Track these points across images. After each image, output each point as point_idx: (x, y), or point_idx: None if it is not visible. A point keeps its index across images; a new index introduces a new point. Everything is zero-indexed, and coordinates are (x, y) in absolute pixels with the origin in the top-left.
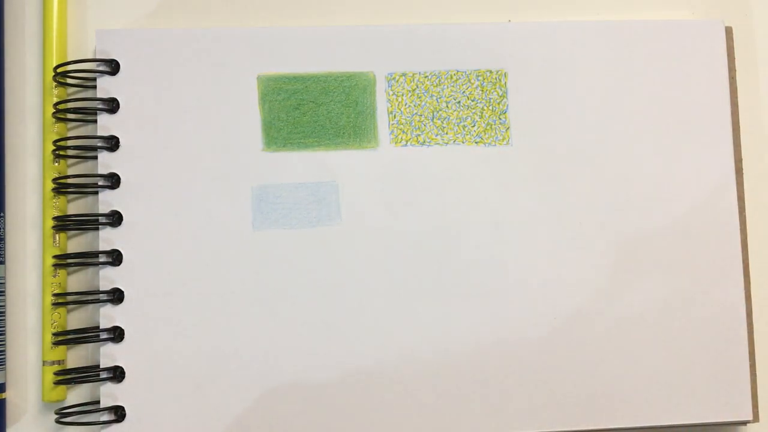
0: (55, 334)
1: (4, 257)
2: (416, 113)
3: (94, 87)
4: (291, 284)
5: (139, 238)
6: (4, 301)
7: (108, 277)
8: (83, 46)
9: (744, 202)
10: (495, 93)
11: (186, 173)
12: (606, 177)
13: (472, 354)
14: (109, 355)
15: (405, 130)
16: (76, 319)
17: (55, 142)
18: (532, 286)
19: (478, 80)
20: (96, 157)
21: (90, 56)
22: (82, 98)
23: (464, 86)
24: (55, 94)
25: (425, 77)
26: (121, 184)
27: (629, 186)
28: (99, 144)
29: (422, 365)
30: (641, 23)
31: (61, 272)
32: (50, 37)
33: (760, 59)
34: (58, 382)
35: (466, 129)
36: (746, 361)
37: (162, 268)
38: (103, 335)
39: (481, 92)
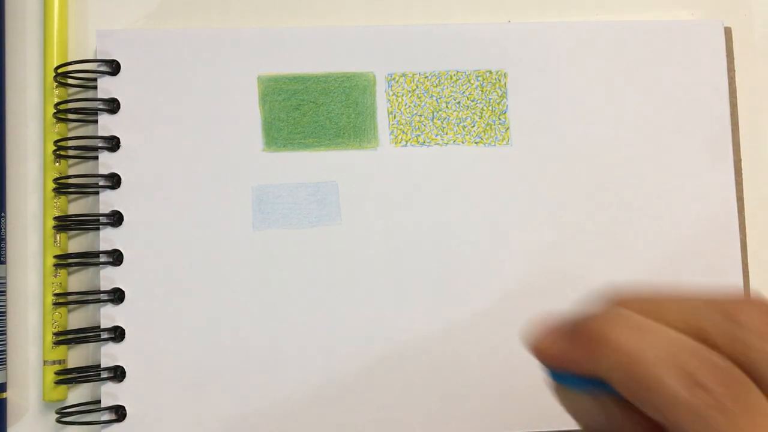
0: (55, 334)
1: (5, 257)
2: (416, 113)
3: (95, 87)
4: (291, 284)
5: (140, 238)
6: (4, 300)
7: (109, 277)
8: (84, 46)
9: (744, 202)
10: (495, 93)
11: (186, 173)
12: (605, 177)
13: (471, 353)
14: (109, 354)
15: (405, 131)
16: (77, 318)
17: (55, 142)
18: (531, 286)
19: (478, 80)
20: (97, 158)
21: (91, 56)
22: (82, 98)
23: (464, 86)
24: (56, 94)
25: (425, 77)
26: (122, 184)
27: (629, 186)
28: (100, 144)
29: (422, 364)
30: (641, 23)
31: (62, 272)
32: (51, 37)
33: (759, 59)
34: (58, 382)
35: (466, 129)
36: None
37: (162, 268)
38: (104, 335)
39: (480, 92)
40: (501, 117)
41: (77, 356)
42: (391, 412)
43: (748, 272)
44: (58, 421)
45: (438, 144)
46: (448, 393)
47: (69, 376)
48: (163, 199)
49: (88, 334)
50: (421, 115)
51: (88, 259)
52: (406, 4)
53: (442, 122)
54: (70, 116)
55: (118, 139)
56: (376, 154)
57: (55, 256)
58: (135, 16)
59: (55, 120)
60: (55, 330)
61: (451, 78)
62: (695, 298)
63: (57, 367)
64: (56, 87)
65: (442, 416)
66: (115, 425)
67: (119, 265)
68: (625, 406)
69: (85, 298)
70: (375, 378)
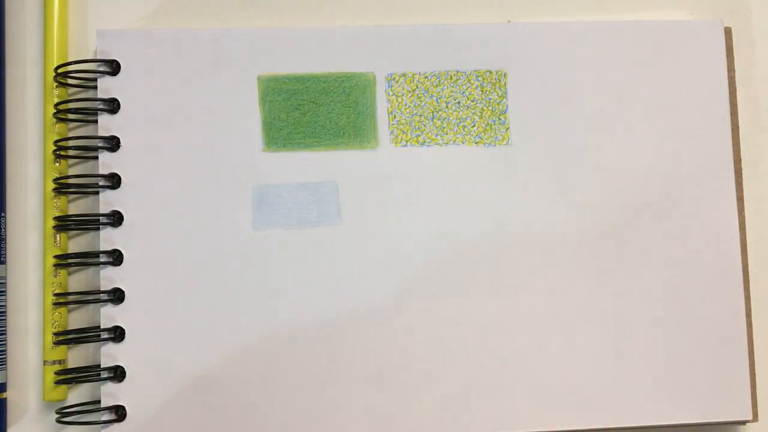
0: (55, 334)
1: (5, 257)
2: (416, 113)
3: (95, 87)
4: (291, 284)
5: (140, 238)
6: (5, 300)
7: (109, 277)
8: (84, 46)
9: (743, 202)
10: (495, 93)
11: (186, 173)
12: (606, 177)
13: (471, 353)
14: (109, 354)
15: (405, 131)
16: (77, 318)
17: (55, 142)
18: (531, 285)
19: (478, 80)
20: (97, 158)
21: (91, 56)
22: (82, 98)
23: (464, 86)
24: (56, 94)
25: (425, 77)
26: (122, 185)
27: (629, 186)
28: (100, 144)
29: (422, 365)
30: (641, 23)
31: (62, 272)
32: (51, 37)
33: (759, 59)
34: (58, 382)
35: (466, 129)
36: (746, 360)
37: (162, 268)
38: (104, 335)
39: (480, 92)
40: (501, 117)
41: (77, 356)
42: (391, 413)
43: (748, 272)
44: (58, 421)
45: (438, 144)
46: (448, 392)
47: (69, 376)
48: (163, 199)
49: (88, 334)
50: (421, 115)
51: (88, 259)
52: (406, 4)
53: (442, 122)
54: (70, 116)
55: (118, 139)
56: (376, 154)
57: (55, 256)
58: (135, 16)
59: (55, 120)
60: (55, 330)
61: (451, 78)
62: None
63: (57, 367)
64: (56, 87)
65: (443, 415)
66: (115, 425)
67: (119, 265)
68: None
69: (85, 298)
70: (374, 378)
